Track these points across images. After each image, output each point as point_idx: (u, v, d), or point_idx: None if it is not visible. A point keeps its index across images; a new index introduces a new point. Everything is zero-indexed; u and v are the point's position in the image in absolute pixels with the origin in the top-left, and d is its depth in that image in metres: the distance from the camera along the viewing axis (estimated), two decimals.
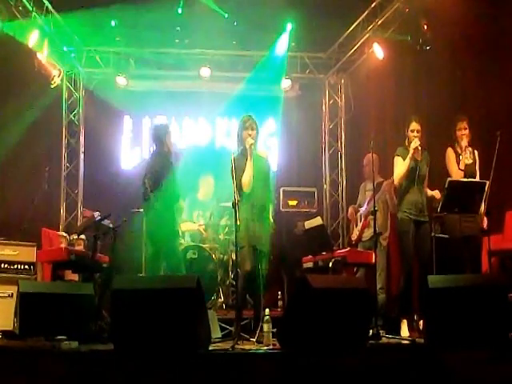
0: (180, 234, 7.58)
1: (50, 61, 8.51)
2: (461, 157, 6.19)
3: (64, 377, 4.01)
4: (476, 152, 6.28)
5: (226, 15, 8.35)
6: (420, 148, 6.02)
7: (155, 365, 4.04)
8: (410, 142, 6.08)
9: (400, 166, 6.10)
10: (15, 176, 8.29)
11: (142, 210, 7.57)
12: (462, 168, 6.15)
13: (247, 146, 5.65)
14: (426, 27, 7.53)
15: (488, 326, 4.49)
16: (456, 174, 6.13)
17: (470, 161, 6.23)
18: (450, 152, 6.31)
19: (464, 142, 6.21)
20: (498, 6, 7.24)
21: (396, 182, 6.16)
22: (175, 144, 6.45)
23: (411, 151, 5.99)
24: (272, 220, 5.98)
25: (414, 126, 6.08)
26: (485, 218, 6.00)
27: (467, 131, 6.24)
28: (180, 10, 8.31)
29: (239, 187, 5.55)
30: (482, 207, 5.98)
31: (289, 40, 8.94)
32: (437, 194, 6.09)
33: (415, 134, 6.06)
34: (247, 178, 5.60)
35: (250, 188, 5.61)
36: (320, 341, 4.30)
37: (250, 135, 5.68)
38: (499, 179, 5.94)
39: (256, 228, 5.59)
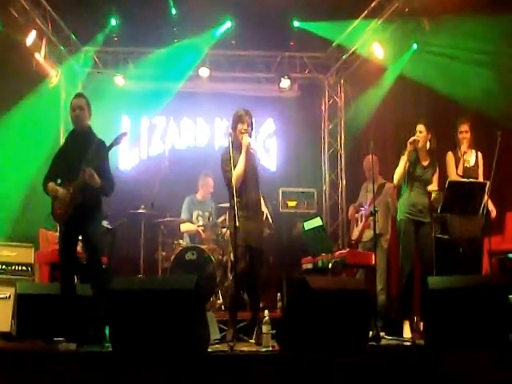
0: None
1: (47, 61, 8.48)
2: (460, 160, 6.18)
3: (62, 379, 3.99)
4: (480, 154, 6.27)
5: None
6: (415, 145, 5.98)
7: (153, 366, 4.01)
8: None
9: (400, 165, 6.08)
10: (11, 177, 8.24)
11: (140, 211, 7.56)
12: (460, 173, 6.14)
13: (244, 144, 5.54)
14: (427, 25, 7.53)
15: (488, 327, 4.48)
16: (454, 178, 6.11)
17: (471, 164, 6.23)
18: (449, 157, 6.31)
19: (464, 146, 6.21)
20: (497, 6, 7.20)
21: (395, 181, 6.13)
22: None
23: (408, 147, 5.96)
24: (270, 220, 5.94)
25: (419, 127, 6.05)
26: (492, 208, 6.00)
27: (468, 134, 6.24)
28: (174, 11, 8.29)
29: (229, 181, 5.46)
30: (491, 206, 6.00)
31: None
32: (433, 191, 6.05)
33: (418, 133, 6.04)
34: (236, 173, 5.45)
35: (240, 183, 5.47)
36: (320, 342, 4.28)
37: (245, 131, 5.58)
38: (500, 179, 5.91)
39: (250, 226, 5.52)
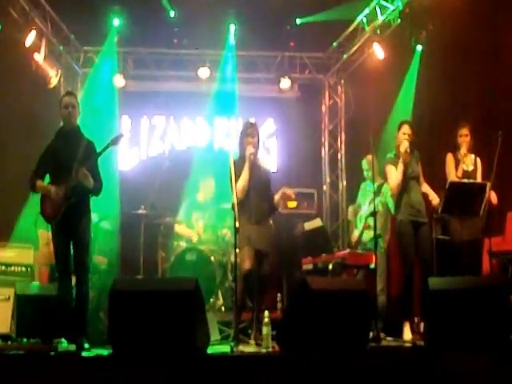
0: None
1: (47, 61, 8.47)
2: (460, 163, 6.17)
3: (62, 380, 3.97)
4: (478, 159, 6.27)
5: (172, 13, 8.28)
6: (408, 150, 5.95)
7: (153, 367, 4.00)
8: (399, 145, 6.02)
9: (394, 175, 6.00)
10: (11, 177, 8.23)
11: (140, 211, 7.54)
12: (460, 175, 6.14)
13: (247, 154, 5.61)
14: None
15: (488, 328, 4.47)
16: (453, 179, 6.10)
17: (471, 168, 6.23)
18: (449, 158, 6.31)
19: (464, 149, 6.20)
20: (498, 7, 7.20)
21: (394, 191, 6.05)
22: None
23: (402, 155, 5.91)
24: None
25: (406, 129, 6.02)
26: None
27: (468, 138, 6.24)
28: (172, 14, 8.28)
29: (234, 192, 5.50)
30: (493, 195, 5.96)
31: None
32: (430, 192, 6.02)
33: (406, 137, 5.99)
34: (241, 185, 5.55)
35: (244, 195, 5.57)
36: (320, 343, 4.27)
37: (250, 143, 5.66)
38: (500, 180, 5.90)
39: (255, 230, 5.57)
